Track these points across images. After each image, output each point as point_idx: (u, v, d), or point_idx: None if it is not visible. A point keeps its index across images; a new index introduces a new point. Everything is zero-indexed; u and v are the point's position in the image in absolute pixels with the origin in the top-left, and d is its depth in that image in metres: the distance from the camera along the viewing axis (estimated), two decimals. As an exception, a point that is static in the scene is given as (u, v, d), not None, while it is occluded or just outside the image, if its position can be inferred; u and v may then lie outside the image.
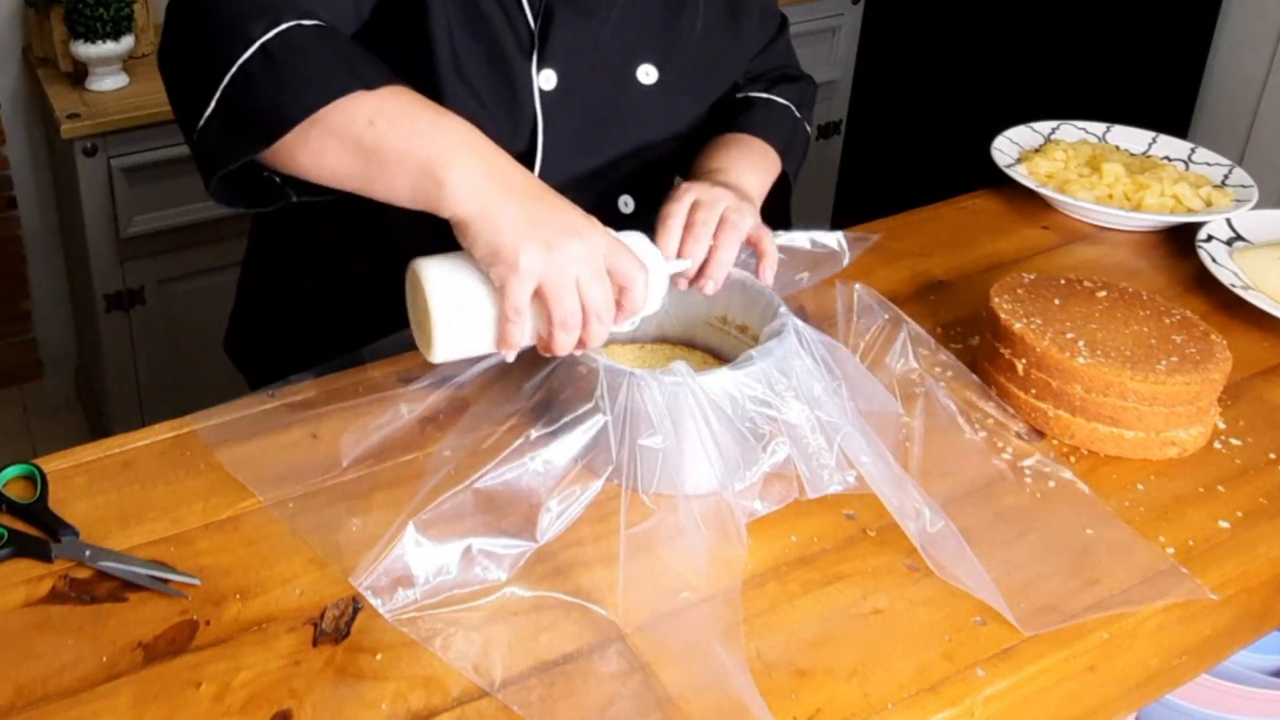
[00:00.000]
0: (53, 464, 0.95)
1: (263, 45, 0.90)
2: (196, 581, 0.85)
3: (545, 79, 1.10)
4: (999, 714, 0.82)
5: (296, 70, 0.90)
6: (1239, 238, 1.33)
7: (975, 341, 1.16)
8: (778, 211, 1.27)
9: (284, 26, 0.91)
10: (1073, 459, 1.02)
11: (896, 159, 2.78)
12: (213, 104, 0.91)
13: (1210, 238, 1.32)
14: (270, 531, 0.90)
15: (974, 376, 1.08)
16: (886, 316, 1.08)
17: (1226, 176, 1.47)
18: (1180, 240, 1.37)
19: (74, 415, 2.70)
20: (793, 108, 1.30)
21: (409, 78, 0.96)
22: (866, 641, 0.83)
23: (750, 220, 1.06)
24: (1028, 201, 1.44)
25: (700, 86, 1.22)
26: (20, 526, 0.89)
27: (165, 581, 0.84)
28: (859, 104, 2.68)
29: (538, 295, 0.88)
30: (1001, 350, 1.07)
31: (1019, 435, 1.04)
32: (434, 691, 0.77)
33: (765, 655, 0.81)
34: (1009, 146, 1.51)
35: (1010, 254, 1.35)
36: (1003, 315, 1.07)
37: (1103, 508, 0.97)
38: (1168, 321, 1.09)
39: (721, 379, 0.91)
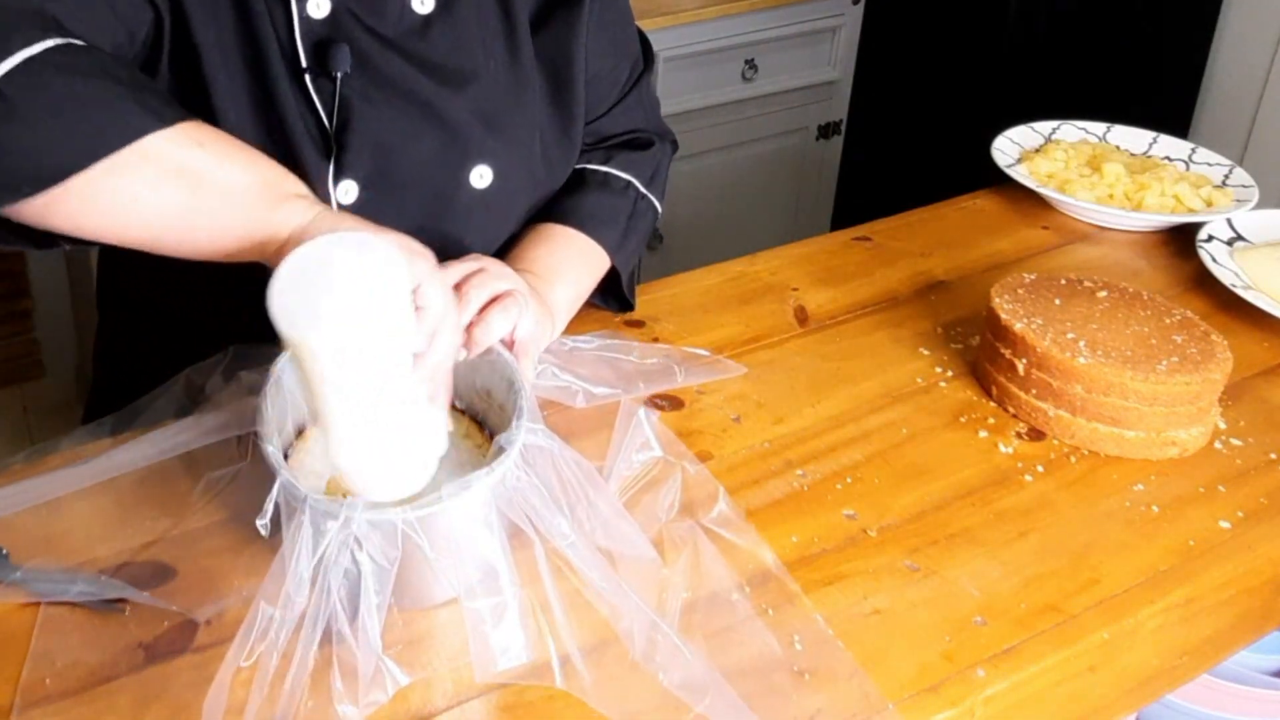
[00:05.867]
0: (50, 462, 0.95)
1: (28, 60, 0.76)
2: (154, 599, 0.82)
3: (345, 192, 0.96)
4: (999, 714, 0.82)
5: (82, 96, 0.77)
6: (1239, 238, 1.33)
7: (975, 341, 1.16)
8: (620, 300, 1.17)
9: (52, 44, 0.77)
10: (1073, 459, 1.02)
11: (896, 159, 2.78)
12: None
13: (1211, 238, 1.32)
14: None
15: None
16: (661, 455, 0.95)
17: (1227, 176, 1.47)
18: (1181, 240, 1.37)
19: (74, 415, 2.69)
20: (635, 184, 1.14)
21: None
22: (866, 641, 0.83)
23: (529, 324, 0.92)
24: (1028, 201, 1.44)
25: (537, 185, 1.08)
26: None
27: (115, 601, 0.82)
28: (859, 104, 2.68)
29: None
30: (1002, 350, 1.07)
31: (1019, 435, 1.05)
32: (434, 691, 0.77)
33: (765, 655, 0.81)
34: (1009, 146, 1.51)
35: (1010, 254, 1.35)
36: (1003, 315, 1.07)
37: (1103, 508, 0.97)
38: (1168, 321, 1.09)
39: (389, 514, 0.76)
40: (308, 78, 0.95)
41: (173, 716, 0.75)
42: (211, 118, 0.92)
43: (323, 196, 0.96)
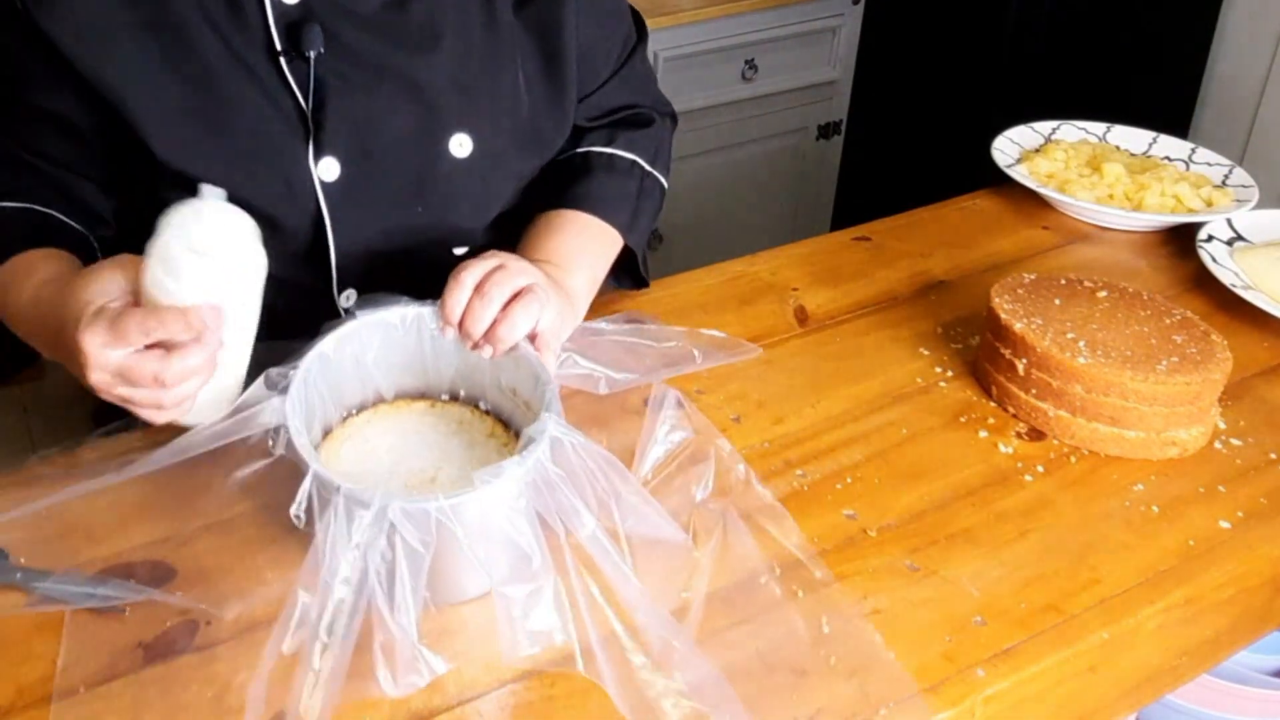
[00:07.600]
0: (60, 461, 0.95)
1: None
2: (154, 593, 0.83)
3: (326, 168, 0.98)
4: (999, 714, 0.82)
5: None
6: (1239, 238, 1.33)
7: (975, 341, 1.16)
8: (635, 278, 1.19)
9: None
10: (1073, 459, 1.02)
11: (896, 159, 2.78)
12: None
13: (1211, 238, 1.32)
14: (272, 532, 0.90)
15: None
16: (693, 435, 0.98)
17: (1227, 176, 1.47)
18: (1181, 240, 1.37)
19: (75, 415, 2.69)
20: (640, 162, 1.15)
21: (136, 170, 0.92)
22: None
23: (551, 317, 0.93)
24: (1028, 201, 1.44)
25: (524, 153, 1.09)
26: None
27: (115, 601, 0.82)
28: (859, 104, 2.68)
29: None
30: (1002, 350, 1.07)
31: (1019, 435, 1.05)
32: (434, 691, 0.77)
33: (766, 655, 0.81)
34: (1009, 146, 1.51)
35: (1010, 254, 1.35)
36: (1003, 315, 1.07)
37: (1103, 508, 0.97)
38: (1168, 321, 1.09)
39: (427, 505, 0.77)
40: (283, 60, 0.97)
41: (173, 716, 0.75)
42: (135, 128, 0.96)
43: (304, 174, 0.98)
